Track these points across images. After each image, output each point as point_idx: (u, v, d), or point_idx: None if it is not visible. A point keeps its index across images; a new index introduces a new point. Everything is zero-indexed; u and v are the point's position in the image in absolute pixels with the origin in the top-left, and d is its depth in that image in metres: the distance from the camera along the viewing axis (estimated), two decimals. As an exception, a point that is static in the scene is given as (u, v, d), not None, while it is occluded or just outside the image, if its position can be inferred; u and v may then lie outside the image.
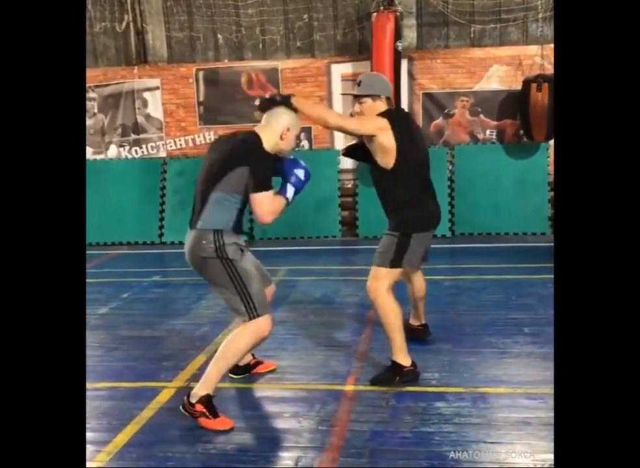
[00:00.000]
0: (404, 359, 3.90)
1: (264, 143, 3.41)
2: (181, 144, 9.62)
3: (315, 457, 3.07)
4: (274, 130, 3.47)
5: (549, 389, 3.67)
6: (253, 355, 4.13)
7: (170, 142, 9.64)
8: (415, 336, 4.54)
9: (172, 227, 9.14)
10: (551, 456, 2.95)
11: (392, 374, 3.88)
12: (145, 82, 9.54)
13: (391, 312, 3.88)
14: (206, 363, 4.29)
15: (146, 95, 9.58)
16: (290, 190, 3.49)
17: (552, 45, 8.52)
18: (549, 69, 8.48)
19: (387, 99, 3.93)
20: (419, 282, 4.59)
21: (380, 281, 3.93)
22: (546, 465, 2.91)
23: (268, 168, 3.39)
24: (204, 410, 3.38)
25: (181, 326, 5.17)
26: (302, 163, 3.59)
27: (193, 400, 3.38)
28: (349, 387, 3.85)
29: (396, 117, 3.84)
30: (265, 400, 3.78)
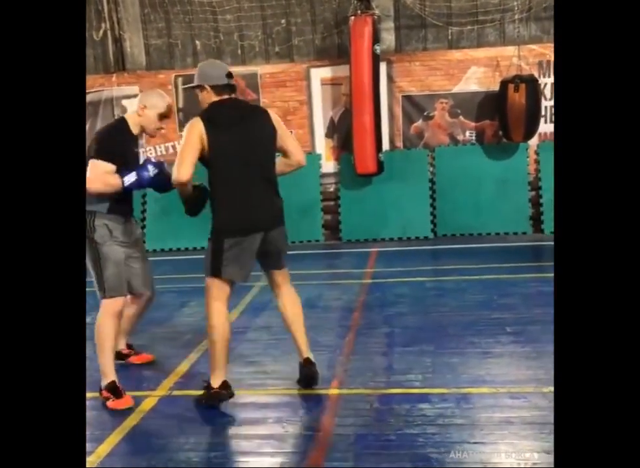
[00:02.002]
0: (214, 380, 3.65)
1: (130, 124, 3.89)
2: (161, 151, 9.58)
3: (299, 462, 3.06)
4: (134, 109, 3.93)
5: (532, 388, 3.69)
6: (128, 345, 4.48)
7: (150, 149, 9.60)
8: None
9: (153, 235, 9.08)
10: (536, 455, 2.97)
11: (202, 394, 3.70)
12: (124, 89, 9.49)
13: (213, 329, 3.58)
14: (189, 371, 4.30)
15: (125, 102, 9.52)
16: (130, 176, 3.76)
17: (529, 46, 8.60)
18: (527, 69, 8.53)
19: (218, 87, 3.54)
20: (287, 301, 3.90)
21: (208, 293, 3.61)
22: (529, 464, 2.92)
23: (113, 143, 3.77)
24: (109, 395, 3.78)
25: (163, 333, 5.14)
26: (162, 167, 3.89)
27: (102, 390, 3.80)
28: (333, 391, 3.84)
29: (216, 111, 3.52)
30: (249, 405, 3.77)
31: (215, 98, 3.56)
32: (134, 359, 4.48)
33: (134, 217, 4.12)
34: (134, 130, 3.94)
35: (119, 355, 4.36)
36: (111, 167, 3.74)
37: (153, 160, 3.95)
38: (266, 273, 3.88)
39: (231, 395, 3.66)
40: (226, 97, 3.58)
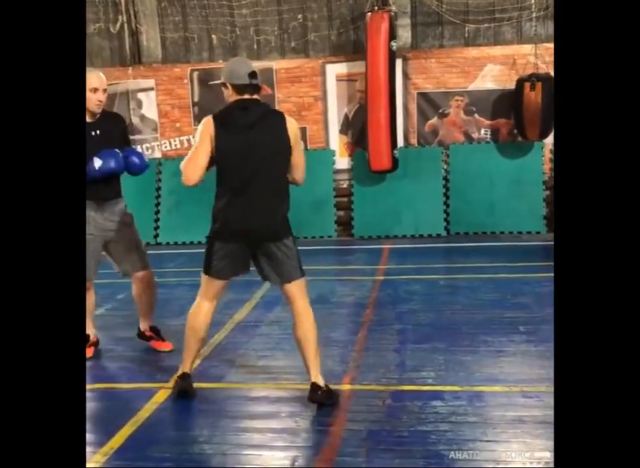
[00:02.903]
0: (179, 370, 3.81)
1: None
2: (176, 145, 9.60)
3: (312, 456, 3.07)
4: None
5: (545, 387, 3.68)
6: (152, 327, 4.62)
7: (165, 143, 9.63)
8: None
9: (167, 228, 9.12)
10: (548, 454, 2.96)
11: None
12: (139, 82, 9.53)
13: (188, 323, 3.72)
14: (201, 364, 4.32)
15: (141, 95, 9.56)
16: (95, 162, 3.98)
17: (546, 45, 8.54)
18: (543, 68, 8.49)
19: (239, 86, 3.46)
20: (296, 320, 3.67)
21: (200, 288, 3.71)
22: (542, 463, 2.92)
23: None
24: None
25: (176, 327, 5.15)
26: (132, 156, 4.19)
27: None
28: (345, 387, 3.84)
29: (230, 113, 3.46)
30: (261, 400, 3.78)
31: (236, 97, 3.48)
32: (154, 344, 4.61)
33: (115, 201, 4.32)
34: (87, 117, 4.10)
35: (142, 336, 4.62)
36: None
37: (128, 151, 4.22)
38: (278, 287, 3.71)
39: (184, 389, 3.70)
40: (246, 97, 3.47)
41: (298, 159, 3.57)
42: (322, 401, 3.54)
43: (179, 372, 3.79)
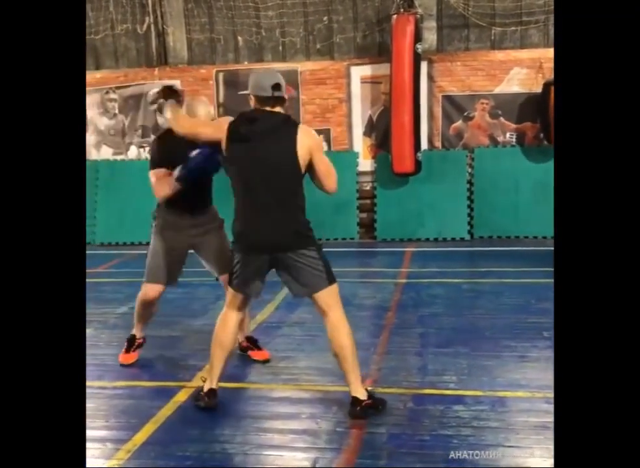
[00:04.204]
0: (206, 384, 3.70)
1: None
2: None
3: (332, 458, 3.07)
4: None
5: (569, 394, 3.64)
6: (247, 338, 4.44)
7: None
8: None
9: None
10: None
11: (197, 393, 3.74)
12: (165, 83, 9.58)
13: (214, 335, 3.66)
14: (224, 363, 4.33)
15: (166, 96, 9.61)
16: (179, 170, 3.86)
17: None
18: (571, 72, 8.41)
19: (261, 97, 3.42)
20: (330, 330, 3.54)
21: (227, 298, 3.72)
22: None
23: (153, 149, 4.16)
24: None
25: (199, 326, 5.18)
26: (202, 149, 3.78)
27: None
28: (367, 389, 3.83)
29: (243, 122, 3.42)
30: (283, 400, 3.78)
31: (258, 107, 3.45)
32: (253, 354, 4.44)
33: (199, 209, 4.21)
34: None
35: (240, 348, 4.45)
36: (156, 171, 4.08)
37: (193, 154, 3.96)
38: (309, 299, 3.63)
39: (210, 406, 3.60)
40: (267, 108, 3.41)
41: (321, 167, 3.44)
42: (361, 416, 3.45)
43: (206, 389, 3.65)
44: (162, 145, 4.10)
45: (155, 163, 4.08)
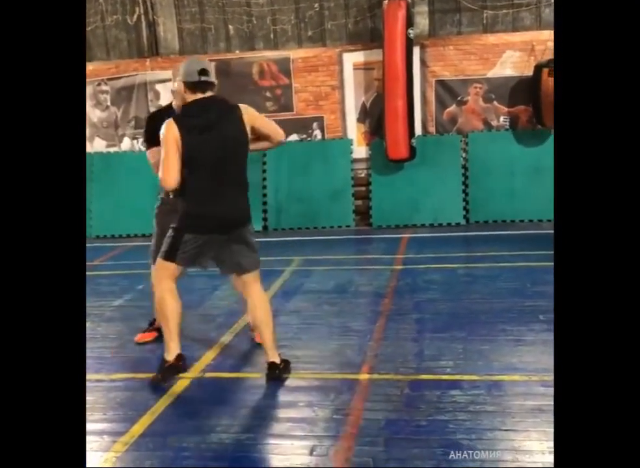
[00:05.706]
0: (166, 354, 3.88)
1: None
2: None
3: (330, 445, 3.08)
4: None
5: (565, 376, 3.65)
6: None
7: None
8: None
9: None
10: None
11: (157, 371, 3.88)
12: (157, 74, 9.54)
13: (166, 306, 3.83)
14: (221, 353, 4.34)
15: (158, 87, 9.57)
16: None
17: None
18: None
19: (190, 83, 3.60)
20: (252, 304, 3.91)
21: (157, 273, 3.90)
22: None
23: (146, 129, 4.31)
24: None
25: (196, 317, 5.19)
26: None
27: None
28: (363, 376, 3.84)
29: (190, 114, 3.61)
30: (280, 389, 3.79)
31: (190, 95, 3.62)
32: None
33: None
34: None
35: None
36: (152, 150, 4.21)
37: None
38: (235, 274, 3.92)
39: (185, 368, 3.87)
40: (199, 95, 3.61)
41: (266, 125, 3.79)
42: (280, 377, 3.80)
43: (173, 356, 3.85)
44: (152, 123, 4.17)
45: (148, 142, 4.21)
